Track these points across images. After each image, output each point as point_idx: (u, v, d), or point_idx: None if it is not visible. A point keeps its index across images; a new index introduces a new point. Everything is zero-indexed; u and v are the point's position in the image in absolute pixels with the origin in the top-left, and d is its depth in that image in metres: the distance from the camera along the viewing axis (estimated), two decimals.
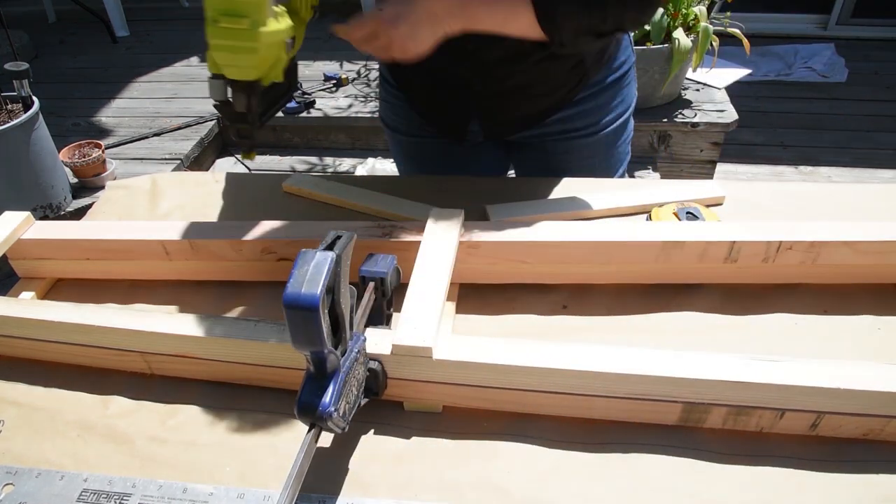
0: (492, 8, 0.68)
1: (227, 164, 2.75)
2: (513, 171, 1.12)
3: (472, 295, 0.72)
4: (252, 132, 0.67)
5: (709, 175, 2.31)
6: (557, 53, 0.75)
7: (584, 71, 0.87)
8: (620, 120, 0.96)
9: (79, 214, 2.07)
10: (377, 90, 3.00)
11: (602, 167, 1.00)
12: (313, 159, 2.77)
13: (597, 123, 0.94)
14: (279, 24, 0.60)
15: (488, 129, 0.94)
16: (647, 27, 1.97)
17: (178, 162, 2.44)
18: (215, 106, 0.65)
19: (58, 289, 0.79)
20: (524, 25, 0.68)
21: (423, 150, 1.03)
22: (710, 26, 2.01)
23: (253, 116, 0.65)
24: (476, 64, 0.83)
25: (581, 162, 0.98)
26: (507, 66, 0.83)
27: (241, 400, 0.62)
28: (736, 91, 2.55)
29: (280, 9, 0.61)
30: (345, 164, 2.70)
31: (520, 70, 0.83)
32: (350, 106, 2.81)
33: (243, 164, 2.73)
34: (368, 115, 2.73)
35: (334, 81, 2.98)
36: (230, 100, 0.63)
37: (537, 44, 0.70)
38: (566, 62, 0.84)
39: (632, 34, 0.95)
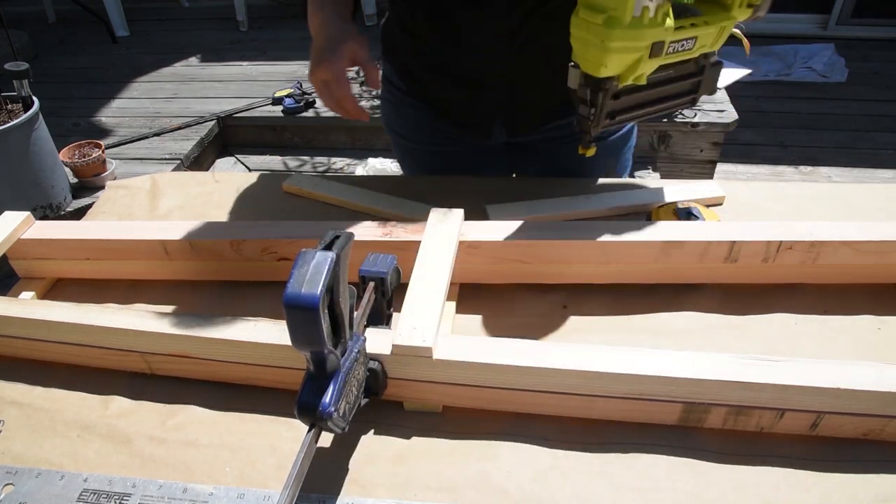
0: None
1: (227, 164, 2.75)
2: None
3: (472, 295, 0.72)
4: (590, 127, 0.64)
5: (709, 175, 2.31)
6: None
7: None
8: (628, 125, 0.96)
9: (79, 214, 2.07)
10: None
11: (610, 169, 1.00)
12: (314, 159, 2.77)
13: None
14: (646, 26, 0.55)
15: (511, 127, 0.92)
16: None
17: (178, 162, 2.44)
18: (570, 91, 0.64)
19: (58, 289, 0.79)
20: None
21: (432, 156, 1.02)
22: None
23: (596, 112, 0.63)
24: (501, 54, 0.80)
25: (587, 165, 0.98)
26: (534, 53, 0.79)
27: (240, 400, 0.62)
28: (736, 91, 2.55)
29: (664, 8, 0.55)
30: (345, 164, 2.70)
31: (545, 53, 0.79)
32: None
33: (243, 164, 2.73)
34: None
35: None
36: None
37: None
38: None
39: None
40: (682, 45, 0.59)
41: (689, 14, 0.59)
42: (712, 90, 0.68)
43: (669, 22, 0.56)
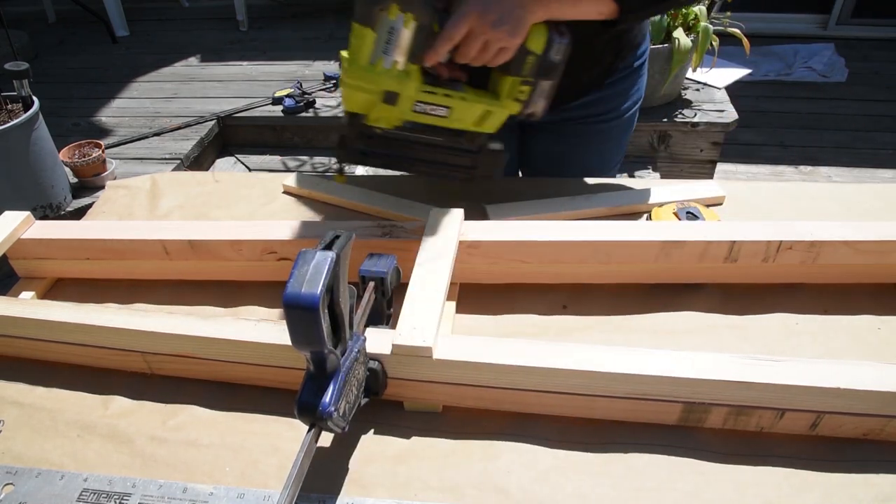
0: None
1: (227, 164, 2.75)
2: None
3: (472, 295, 0.72)
4: (339, 155, 0.73)
5: (709, 175, 2.31)
6: (621, 28, 0.73)
7: (619, 47, 0.87)
8: (634, 109, 0.97)
9: (79, 214, 2.06)
10: None
11: (607, 157, 1.01)
12: (314, 160, 2.77)
13: (616, 109, 0.95)
14: (379, 73, 0.62)
15: None
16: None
17: (178, 162, 2.44)
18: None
19: (58, 289, 0.79)
20: (596, 1, 0.68)
21: None
22: (710, 26, 2.01)
23: (343, 141, 0.71)
24: None
25: (590, 148, 0.98)
26: None
27: (241, 400, 0.62)
28: (736, 91, 2.55)
29: (409, 68, 0.63)
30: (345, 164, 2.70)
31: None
32: None
33: (243, 164, 2.73)
34: None
35: (334, 81, 2.98)
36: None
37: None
38: (605, 37, 0.82)
39: (649, 24, 0.96)
40: (434, 109, 0.67)
41: (449, 87, 0.67)
42: (491, 174, 0.76)
43: (413, 81, 0.64)
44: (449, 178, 0.77)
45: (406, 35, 0.61)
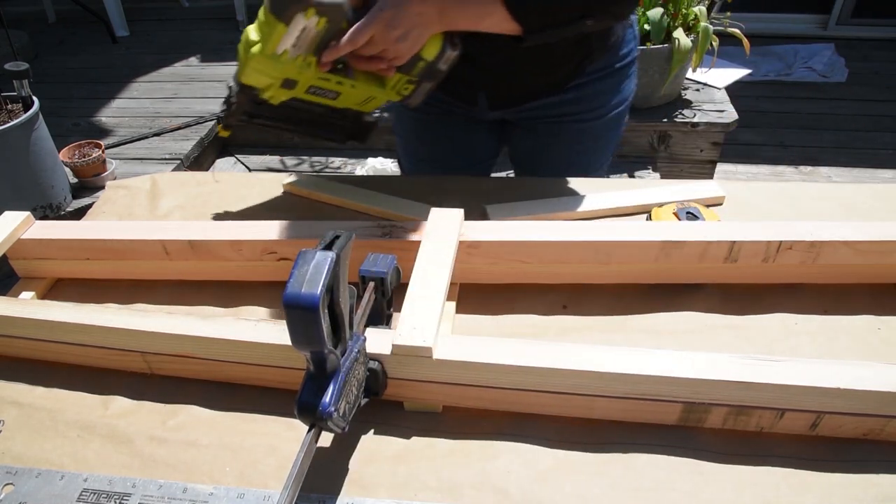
0: (464, 8, 0.70)
1: (227, 164, 2.75)
2: (500, 167, 1.13)
3: (472, 295, 0.72)
4: (226, 116, 0.78)
5: (709, 175, 2.31)
6: (530, 43, 0.76)
7: (588, 49, 0.87)
8: (618, 111, 0.97)
9: (79, 214, 2.06)
10: None
11: (588, 157, 1.01)
12: (313, 159, 2.77)
13: (595, 110, 0.95)
14: (283, 63, 0.65)
15: (493, 100, 0.95)
16: (646, 27, 1.97)
17: (178, 162, 2.44)
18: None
19: (58, 289, 0.79)
20: (497, 20, 0.70)
21: (426, 125, 1.05)
22: (710, 26, 2.01)
23: (231, 105, 0.76)
24: (482, 35, 0.83)
25: (569, 147, 0.99)
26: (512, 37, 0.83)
27: (241, 400, 0.62)
28: (736, 91, 2.55)
29: (309, 59, 0.67)
30: (343, 163, 2.70)
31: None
32: None
33: (243, 164, 2.73)
34: None
35: None
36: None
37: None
38: (569, 38, 0.84)
39: (637, 27, 0.95)
40: (325, 93, 0.73)
41: (342, 75, 0.71)
42: (362, 139, 0.85)
43: (310, 70, 0.68)
44: (324, 139, 0.85)
45: (315, 33, 0.64)
